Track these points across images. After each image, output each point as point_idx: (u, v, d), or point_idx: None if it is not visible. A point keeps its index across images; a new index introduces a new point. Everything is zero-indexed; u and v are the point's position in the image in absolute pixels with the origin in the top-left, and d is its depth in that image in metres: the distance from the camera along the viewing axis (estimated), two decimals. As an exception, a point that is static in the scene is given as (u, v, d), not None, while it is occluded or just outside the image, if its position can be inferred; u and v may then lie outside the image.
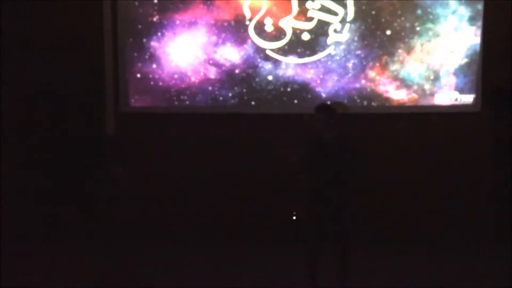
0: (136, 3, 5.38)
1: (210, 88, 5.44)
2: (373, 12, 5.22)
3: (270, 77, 5.36)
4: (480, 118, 5.14)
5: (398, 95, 5.28)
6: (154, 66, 5.44)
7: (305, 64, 5.33)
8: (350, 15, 5.23)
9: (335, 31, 5.26)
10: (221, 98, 5.44)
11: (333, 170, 3.55)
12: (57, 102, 5.29)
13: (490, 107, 5.12)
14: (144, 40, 5.41)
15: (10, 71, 5.19)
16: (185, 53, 5.43)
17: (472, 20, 5.11)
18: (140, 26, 5.41)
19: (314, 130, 3.73)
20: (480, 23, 5.09)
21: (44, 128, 5.30)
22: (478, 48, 5.13)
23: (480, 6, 5.07)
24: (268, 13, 5.29)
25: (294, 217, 4.79)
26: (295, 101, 5.31)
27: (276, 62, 5.35)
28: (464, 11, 5.11)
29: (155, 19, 5.40)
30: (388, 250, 4.81)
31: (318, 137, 3.69)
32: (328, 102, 4.79)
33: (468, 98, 5.19)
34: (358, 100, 5.31)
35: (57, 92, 5.26)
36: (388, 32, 5.21)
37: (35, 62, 5.18)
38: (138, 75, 5.44)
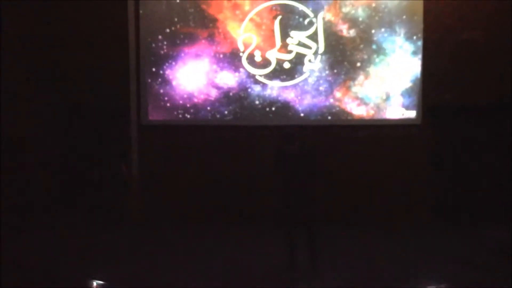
0: (149, 39, 6.76)
1: (209, 107, 6.82)
2: (340, 47, 6.65)
3: (258, 98, 6.76)
4: (420, 129, 6.61)
5: (359, 111, 6.72)
6: (167, 88, 6.82)
7: (286, 87, 6.75)
8: (321, 49, 6.66)
9: (309, 61, 6.69)
10: (218, 116, 6.82)
11: (296, 172, 4.68)
12: (95, 115, 6.71)
13: (427, 121, 6.58)
14: (160, 68, 6.79)
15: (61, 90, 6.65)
16: (191, 78, 6.81)
17: (414, 53, 6.57)
18: (153, 58, 6.78)
19: (280, 145, 4.84)
20: (420, 55, 6.56)
21: (83, 134, 6.72)
22: (419, 75, 6.58)
23: (420, 43, 6.54)
24: (257, 47, 6.71)
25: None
26: (278, 117, 6.70)
27: (263, 86, 6.76)
28: (408, 47, 6.57)
29: (164, 52, 6.77)
30: (345, 234, 6.11)
31: (282, 149, 4.79)
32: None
33: (412, 114, 6.64)
34: (329, 116, 6.73)
35: (96, 108, 6.69)
36: (351, 62, 6.66)
37: (79, 86, 6.65)
38: (155, 96, 6.84)
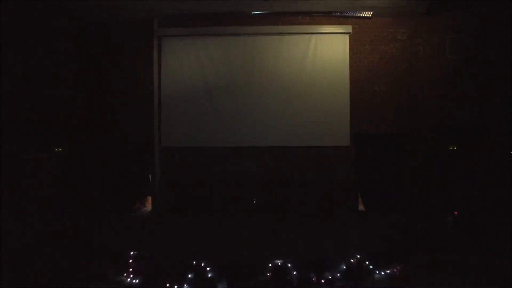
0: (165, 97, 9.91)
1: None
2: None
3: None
4: (349, 148, 9.89)
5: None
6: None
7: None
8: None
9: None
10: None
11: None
12: (134, 142, 9.86)
13: (353, 143, 9.96)
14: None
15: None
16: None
17: (344, 99, 9.97)
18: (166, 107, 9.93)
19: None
20: (348, 101, 9.93)
21: (127, 152, 9.92)
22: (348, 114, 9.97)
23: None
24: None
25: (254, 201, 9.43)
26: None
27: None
28: (340, 95, 9.97)
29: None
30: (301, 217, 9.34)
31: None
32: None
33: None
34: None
35: (133, 137, 9.85)
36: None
37: (124, 123, 9.87)
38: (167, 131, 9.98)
